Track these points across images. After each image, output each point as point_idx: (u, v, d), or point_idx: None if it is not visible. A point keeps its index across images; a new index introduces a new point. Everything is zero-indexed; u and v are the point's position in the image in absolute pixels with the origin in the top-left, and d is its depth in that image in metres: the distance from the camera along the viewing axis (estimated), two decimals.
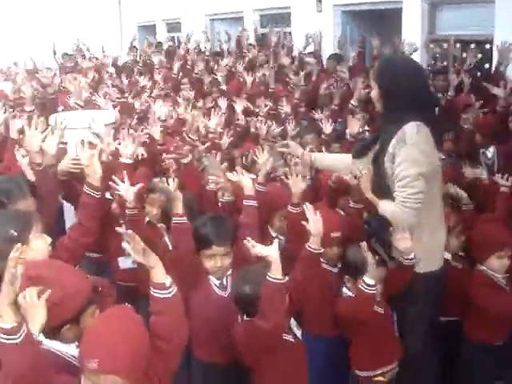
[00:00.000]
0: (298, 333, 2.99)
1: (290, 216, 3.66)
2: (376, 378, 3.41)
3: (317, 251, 3.15)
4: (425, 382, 3.77)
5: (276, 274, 2.65)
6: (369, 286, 3.18)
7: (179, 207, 3.24)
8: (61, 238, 3.19)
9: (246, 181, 3.68)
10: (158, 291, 2.27)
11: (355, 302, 3.26)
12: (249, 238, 2.74)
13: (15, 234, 2.71)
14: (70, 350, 2.34)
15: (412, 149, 3.19)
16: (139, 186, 3.49)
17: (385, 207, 3.29)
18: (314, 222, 3.13)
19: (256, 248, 2.69)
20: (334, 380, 3.63)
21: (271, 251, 2.65)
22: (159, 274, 2.29)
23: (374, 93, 3.42)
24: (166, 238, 3.85)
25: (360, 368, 3.44)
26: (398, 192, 3.24)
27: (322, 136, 5.56)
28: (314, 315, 3.50)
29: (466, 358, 3.77)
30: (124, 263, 4.06)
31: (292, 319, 2.97)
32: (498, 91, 5.83)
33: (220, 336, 3.07)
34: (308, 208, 3.18)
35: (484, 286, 3.58)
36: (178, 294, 2.32)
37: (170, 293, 2.28)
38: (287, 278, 2.77)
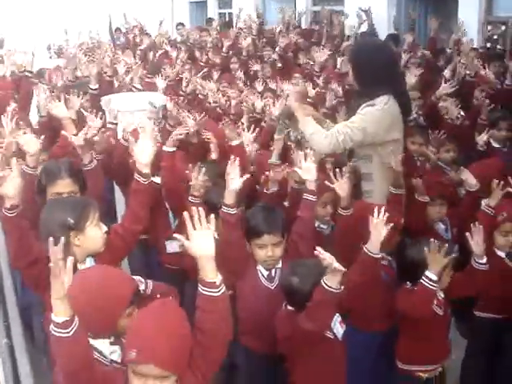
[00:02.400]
0: (342, 330, 2.95)
1: (341, 219, 3.57)
2: (417, 374, 3.37)
3: (375, 255, 3.10)
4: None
5: (332, 283, 2.63)
6: (431, 281, 3.11)
7: (232, 197, 3.14)
8: (114, 226, 3.22)
9: (310, 175, 3.44)
10: (207, 289, 2.24)
11: (416, 297, 3.18)
12: (319, 249, 2.67)
13: (72, 221, 2.77)
14: (100, 346, 2.38)
15: (375, 111, 3.77)
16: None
17: (307, 125, 3.79)
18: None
19: (324, 256, 2.65)
20: (377, 374, 3.59)
21: (331, 259, 2.63)
22: (209, 272, 2.25)
23: (350, 72, 3.84)
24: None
25: (403, 361, 3.42)
26: (338, 125, 3.82)
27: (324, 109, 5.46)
28: (362, 311, 3.45)
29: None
30: (171, 247, 4.06)
31: (336, 316, 2.92)
32: None
33: (265, 326, 3.05)
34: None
35: None
36: (226, 293, 2.30)
37: (218, 291, 2.25)
38: (342, 287, 2.71)
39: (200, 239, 2.24)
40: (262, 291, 3.19)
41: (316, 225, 3.72)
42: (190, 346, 2.15)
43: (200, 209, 2.27)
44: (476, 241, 3.24)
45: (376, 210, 3.10)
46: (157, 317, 2.12)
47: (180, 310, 2.21)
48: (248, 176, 3.24)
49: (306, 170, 3.41)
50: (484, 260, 3.27)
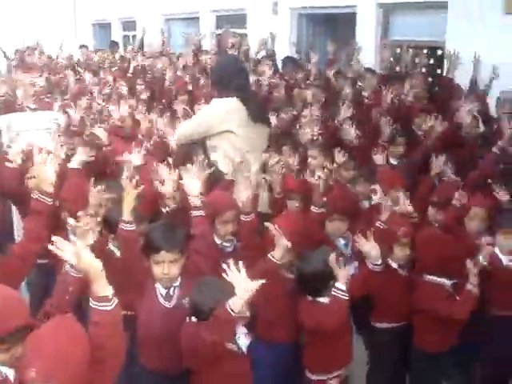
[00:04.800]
0: (246, 343, 2.96)
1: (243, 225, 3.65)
2: (329, 381, 3.45)
3: (278, 262, 3.19)
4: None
5: (236, 308, 2.63)
6: (343, 291, 3.24)
7: (129, 214, 3.15)
8: (13, 246, 3.13)
9: (193, 189, 3.59)
10: (100, 304, 2.22)
11: (329, 310, 3.27)
12: (230, 263, 2.69)
13: None
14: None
15: (207, 106, 4.87)
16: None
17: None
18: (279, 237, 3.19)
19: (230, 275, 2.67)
20: None
21: (242, 285, 2.63)
22: (102, 287, 2.24)
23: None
24: (111, 245, 3.69)
25: (314, 371, 3.47)
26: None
27: None
28: (267, 322, 3.51)
29: (416, 362, 3.83)
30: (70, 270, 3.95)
31: (242, 329, 2.95)
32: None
33: (163, 346, 3.05)
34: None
35: (433, 293, 3.64)
36: (118, 306, 2.29)
37: (111, 304, 2.24)
38: (247, 314, 2.75)
39: (87, 255, 2.23)
40: (159, 310, 3.15)
41: (219, 243, 3.75)
42: (89, 362, 2.10)
43: (85, 224, 2.25)
44: (371, 245, 3.43)
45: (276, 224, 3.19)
46: (55, 334, 2.08)
47: (78, 326, 2.16)
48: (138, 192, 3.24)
49: (190, 185, 3.56)
50: (380, 261, 3.46)
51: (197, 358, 2.85)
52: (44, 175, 3.19)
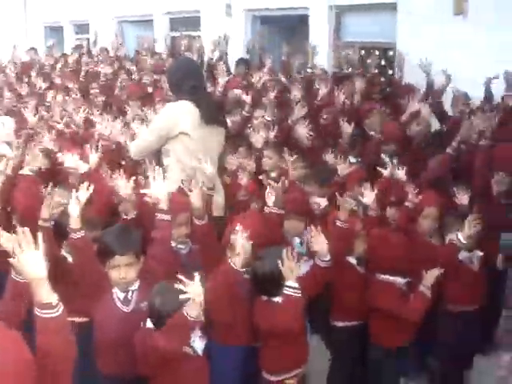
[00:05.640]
0: (201, 345, 2.96)
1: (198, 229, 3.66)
2: (287, 381, 3.45)
3: (240, 269, 3.21)
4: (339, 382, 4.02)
5: (193, 313, 2.66)
6: (295, 288, 3.22)
7: (75, 221, 3.14)
8: None
9: (159, 193, 3.51)
10: (44, 311, 2.19)
11: (283, 310, 3.26)
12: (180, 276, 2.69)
13: None
14: None
15: (160, 112, 4.87)
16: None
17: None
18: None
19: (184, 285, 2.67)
20: None
21: (195, 290, 2.65)
22: (44, 293, 2.20)
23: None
24: (63, 251, 3.58)
25: (272, 372, 3.47)
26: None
27: None
28: (224, 325, 3.50)
29: (374, 359, 3.89)
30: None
31: (196, 331, 2.94)
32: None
33: (120, 350, 3.02)
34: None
35: (385, 292, 3.71)
36: (64, 312, 2.25)
37: (56, 311, 2.20)
38: (202, 318, 2.76)
39: (29, 262, 2.19)
40: (117, 314, 3.12)
41: (173, 245, 3.72)
42: (35, 371, 2.04)
43: (26, 230, 2.22)
44: (318, 241, 3.41)
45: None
46: None
47: (16, 334, 2.08)
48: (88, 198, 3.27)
49: (157, 188, 3.50)
50: (328, 257, 3.44)
51: (148, 365, 2.85)
52: None
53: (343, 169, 4.82)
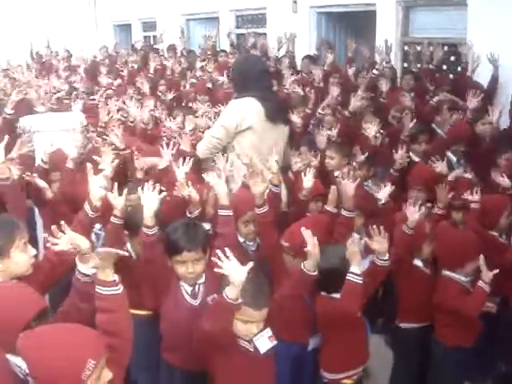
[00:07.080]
0: (267, 345, 2.94)
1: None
2: (343, 381, 3.43)
3: (312, 273, 3.18)
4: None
5: (232, 295, 2.65)
6: (357, 275, 3.18)
7: (150, 218, 3.15)
8: (46, 251, 3.11)
9: (221, 189, 3.54)
10: (108, 289, 2.29)
11: (343, 294, 3.22)
12: (218, 252, 2.69)
13: None
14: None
15: (227, 108, 4.83)
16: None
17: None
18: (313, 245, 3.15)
19: (222, 265, 2.66)
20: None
21: (236, 273, 2.64)
22: (110, 272, 2.32)
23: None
24: (129, 245, 3.66)
25: (330, 370, 3.45)
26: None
27: None
28: (283, 323, 3.46)
29: (437, 361, 3.81)
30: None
31: (267, 330, 2.95)
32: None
33: (188, 343, 3.01)
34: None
35: (450, 288, 3.66)
36: (124, 291, 2.34)
37: (119, 289, 2.30)
38: (240, 301, 2.73)
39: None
40: (185, 308, 3.16)
41: (242, 241, 3.79)
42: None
43: None
44: (379, 240, 3.29)
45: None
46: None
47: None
48: (165, 195, 3.29)
49: (219, 186, 3.53)
50: (387, 256, 3.33)
51: (200, 349, 2.89)
52: (95, 190, 3.23)
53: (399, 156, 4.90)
